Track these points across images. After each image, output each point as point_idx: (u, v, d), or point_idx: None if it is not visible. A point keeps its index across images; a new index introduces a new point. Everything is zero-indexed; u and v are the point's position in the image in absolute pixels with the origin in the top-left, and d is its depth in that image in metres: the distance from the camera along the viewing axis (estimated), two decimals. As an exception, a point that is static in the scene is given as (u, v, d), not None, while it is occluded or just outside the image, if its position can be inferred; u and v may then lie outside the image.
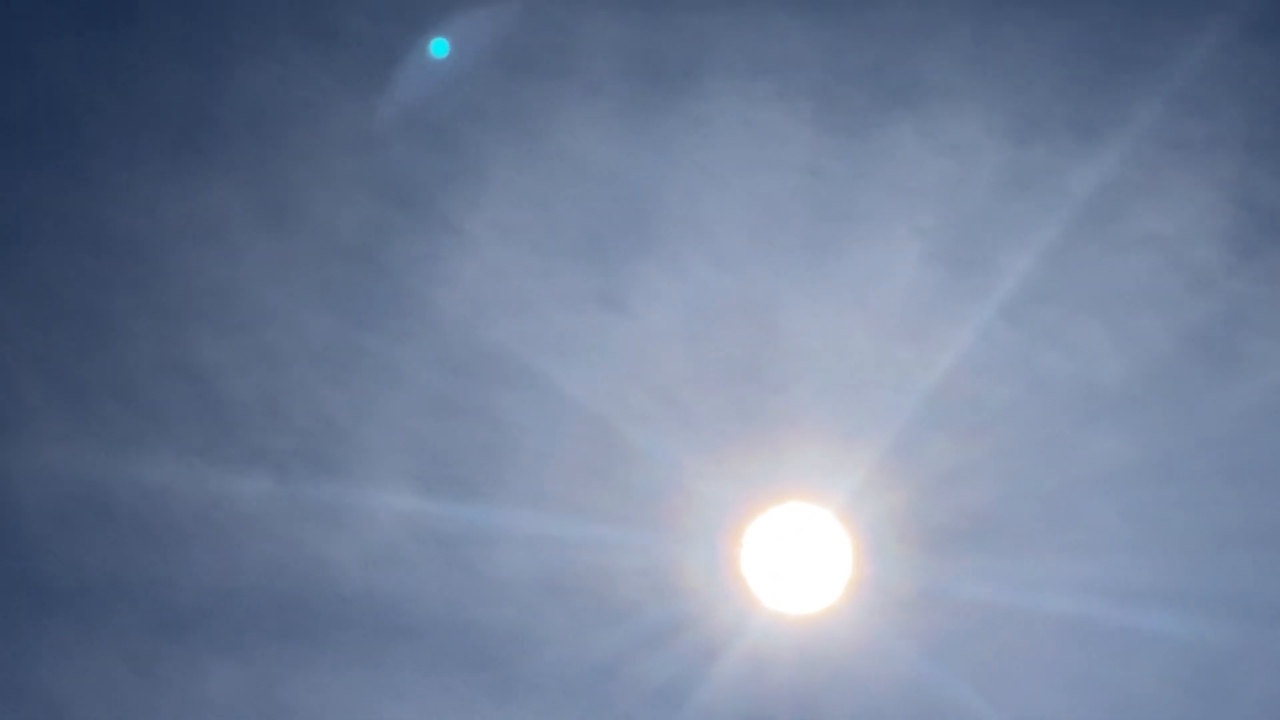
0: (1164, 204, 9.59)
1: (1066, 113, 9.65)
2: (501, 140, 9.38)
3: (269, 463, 9.19)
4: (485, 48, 9.33)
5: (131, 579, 9.15)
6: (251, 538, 9.20)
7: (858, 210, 9.60)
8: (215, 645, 9.12)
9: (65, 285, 9.18)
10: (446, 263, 9.27)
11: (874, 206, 9.65)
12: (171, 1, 9.31)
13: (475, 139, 9.36)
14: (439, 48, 9.13)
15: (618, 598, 9.49)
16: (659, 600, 9.43)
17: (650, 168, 9.49)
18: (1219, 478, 10.05)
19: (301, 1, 9.32)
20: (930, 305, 9.74)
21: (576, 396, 9.38)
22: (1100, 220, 9.62)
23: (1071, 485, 9.99)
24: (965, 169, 9.63)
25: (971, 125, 9.62)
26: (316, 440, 9.14)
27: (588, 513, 9.39)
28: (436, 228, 9.24)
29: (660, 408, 9.36)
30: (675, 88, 9.47)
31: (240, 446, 9.16)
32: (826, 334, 9.68)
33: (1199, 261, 9.63)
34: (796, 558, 9.57)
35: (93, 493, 9.13)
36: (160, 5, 9.30)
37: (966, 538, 9.54)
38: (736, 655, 9.47)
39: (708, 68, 9.44)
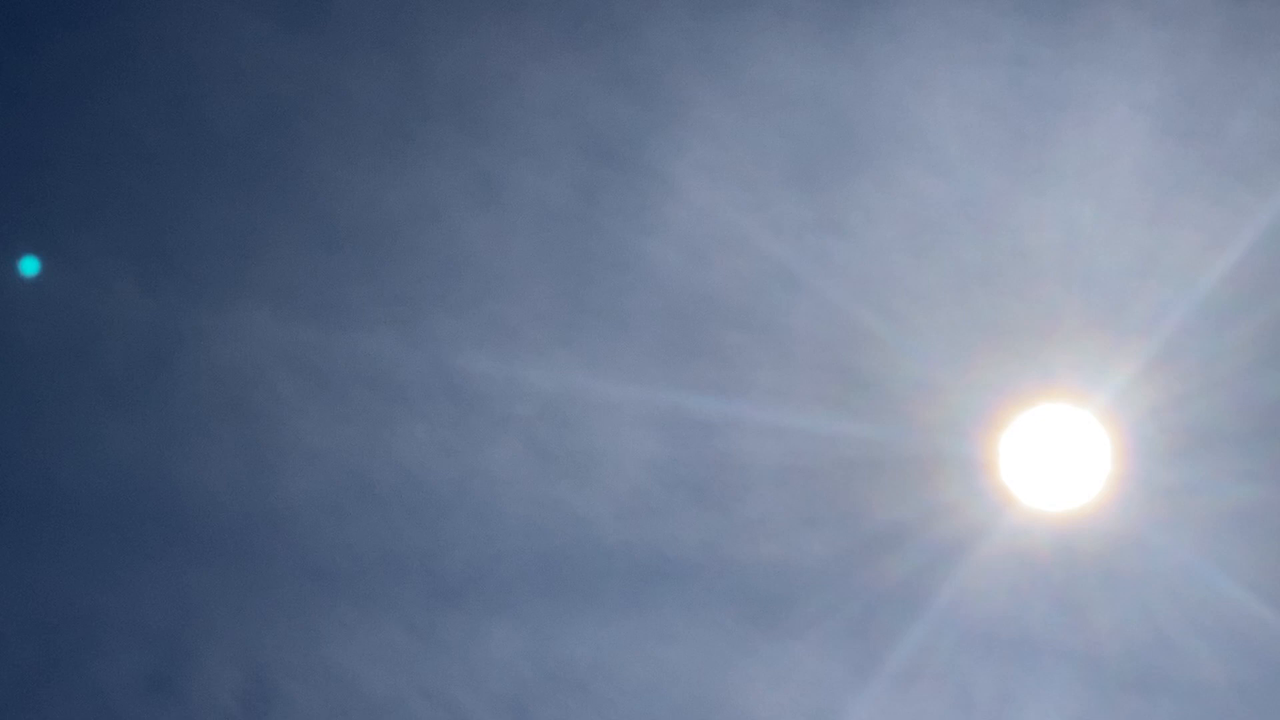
0: None
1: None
2: (697, 81, 8.22)
3: (514, 428, 8.24)
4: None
5: (402, 554, 8.27)
6: (508, 502, 8.26)
7: (1074, 95, 8.15)
8: (488, 608, 8.18)
9: (305, 283, 8.36)
10: (658, 211, 8.13)
11: (1090, 88, 8.15)
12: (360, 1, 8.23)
13: (671, 84, 8.24)
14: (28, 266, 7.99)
15: (871, 505, 8.06)
16: (914, 496, 7.91)
17: (851, 84, 8.16)
18: None
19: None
20: (1165, 183, 8.08)
21: (807, 327, 8.12)
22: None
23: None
24: (1183, 36, 7.89)
25: (1186, -11, 7.95)
26: (557, 402, 8.12)
27: (831, 425, 7.98)
28: (643, 178, 8.13)
29: (896, 323, 7.92)
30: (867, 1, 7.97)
31: (486, 416, 8.23)
32: (1060, 227, 8.25)
33: None
34: (1054, 456, 7.92)
35: (355, 477, 8.30)
36: (350, 4, 8.17)
37: (1234, 438, 7.80)
38: (991, 552, 7.90)
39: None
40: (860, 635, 8.89)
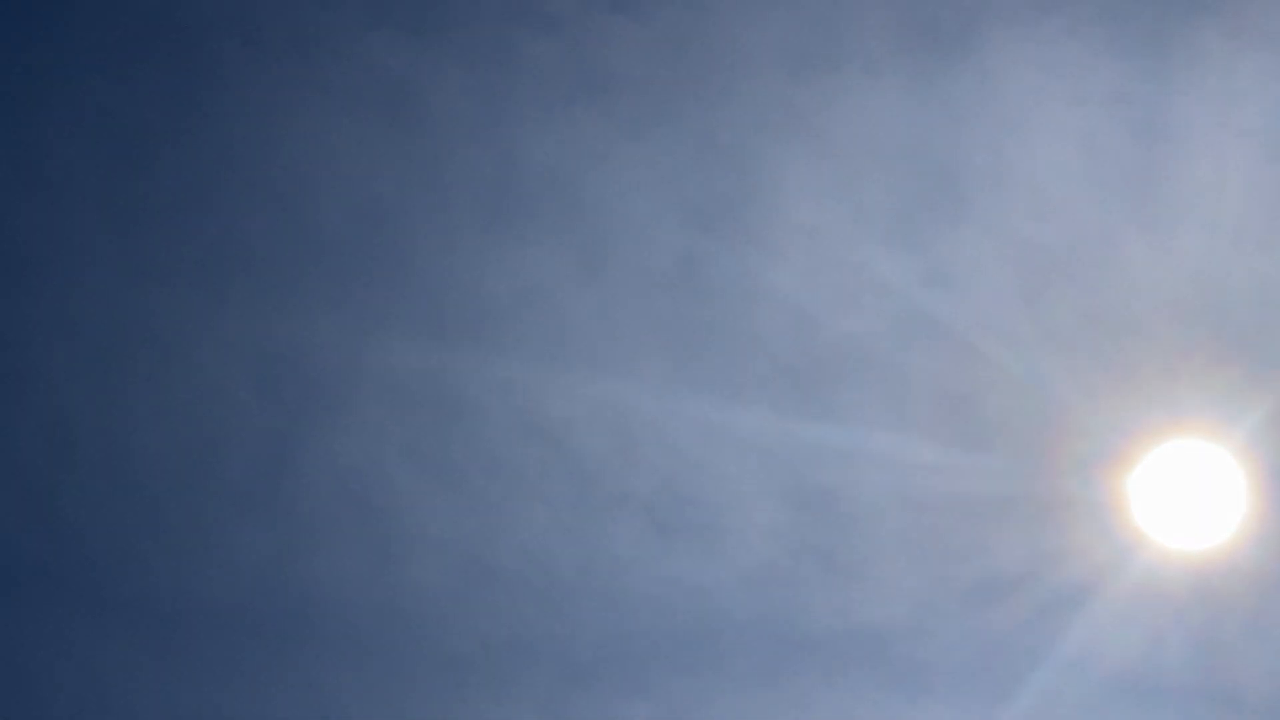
0: None
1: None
2: (789, 145, 8.06)
3: (634, 506, 8.06)
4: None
5: (530, 638, 8.10)
6: (633, 580, 8.08)
7: (1176, 126, 7.81)
8: (623, 688, 7.94)
9: (417, 371, 8.16)
10: (761, 276, 7.94)
11: (1192, 118, 7.83)
12: (452, 86, 8.08)
13: (763, 150, 8.07)
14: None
15: (999, 548, 7.76)
16: (1044, 538, 7.60)
17: (946, 134, 7.90)
18: None
19: (574, 58, 7.93)
20: (1278, 206, 7.62)
21: (925, 379, 7.87)
22: None
23: None
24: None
25: (1280, 12, 7.60)
26: (674, 476, 7.87)
27: (957, 468, 7.68)
28: (744, 244, 7.97)
29: (1017, 367, 7.61)
30: (956, 48, 7.87)
31: (604, 495, 8.06)
32: (1175, 261, 7.90)
33: None
34: (1189, 495, 7.51)
35: (479, 564, 8.15)
36: (443, 95, 8.17)
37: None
38: (1123, 593, 7.53)
39: (985, 20, 7.81)
40: (991, 682, 8.52)
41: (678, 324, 8.92)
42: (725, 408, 8.82)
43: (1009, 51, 8.57)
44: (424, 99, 9.07)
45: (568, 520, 8.95)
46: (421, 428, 9.08)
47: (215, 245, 9.25)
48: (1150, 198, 8.55)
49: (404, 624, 9.01)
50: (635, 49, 8.79)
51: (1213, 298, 8.50)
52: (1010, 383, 8.41)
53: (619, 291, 8.99)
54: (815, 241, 8.72)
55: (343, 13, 8.90)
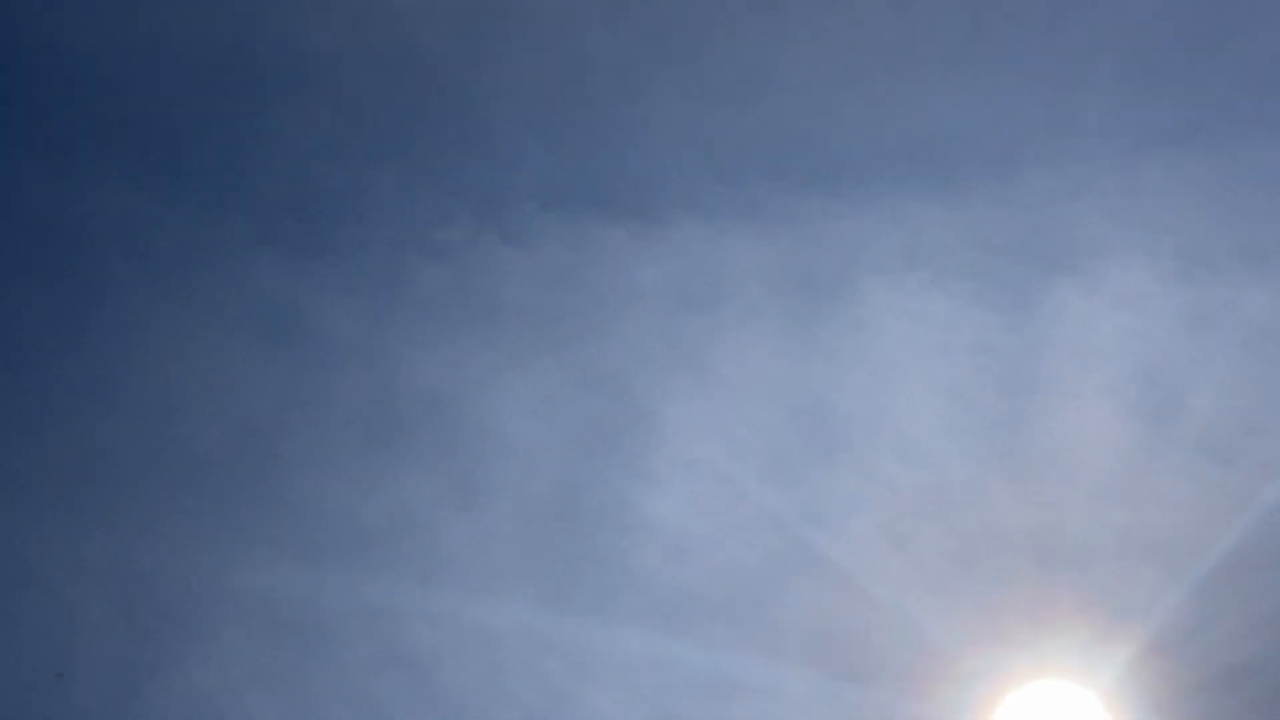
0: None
1: (1230, 243, 7.82)
2: (671, 378, 7.95)
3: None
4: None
5: None
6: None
7: (1040, 379, 7.96)
8: None
9: (283, 595, 7.87)
10: (640, 506, 7.79)
11: (1055, 372, 7.96)
12: (339, 309, 8.01)
13: (645, 383, 8.00)
14: None
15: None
16: None
17: (821, 378, 8.01)
18: None
19: (462, 286, 7.96)
20: (1135, 462, 7.81)
21: (793, 620, 7.74)
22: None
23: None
24: (1140, 318, 7.82)
25: (1137, 274, 7.92)
26: (543, 710, 7.42)
27: (828, 697, 7.47)
28: (624, 474, 7.88)
29: (883, 611, 7.45)
30: (831, 295, 8.10)
31: (471, 728, 7.59)
32: (1036, 511, 7.78)
33: None
34: None
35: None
36: (329, 315, 8.03)
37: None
38: None
39: (859, 270, 8.04)
40: None
41: (553, 553, 8.72)
42: (598, 638, 8.56)
43: (881, 300, 8.79)
44: (309, 319, 8.99)
45: (433, 755, 8.50)
46: (284, 655, 8.66)
47: (80, 461, 8.92)
48: (1014, 448, 8.67)
49: None
50: (523, 279, 8.86)
51: (1075, 548, 8.55)
52: (881, 619, 8.29)
53: (496, 518, 8.80)
54: (694, 474, 8.66)
55: (231, 229, 8.88)
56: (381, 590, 8.59)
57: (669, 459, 8.55)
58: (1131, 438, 8.48)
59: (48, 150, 8.82)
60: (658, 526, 8.51)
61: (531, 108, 9.00)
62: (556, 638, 8.44)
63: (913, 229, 8.60)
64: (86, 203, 8.80)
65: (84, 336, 8.77)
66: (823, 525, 8.46)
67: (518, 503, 8.60)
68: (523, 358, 8.64)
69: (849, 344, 8.51)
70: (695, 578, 8.51)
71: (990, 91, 8.63)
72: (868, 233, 8.60)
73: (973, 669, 8.24)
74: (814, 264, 8.60)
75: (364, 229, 8.78)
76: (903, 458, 8.55)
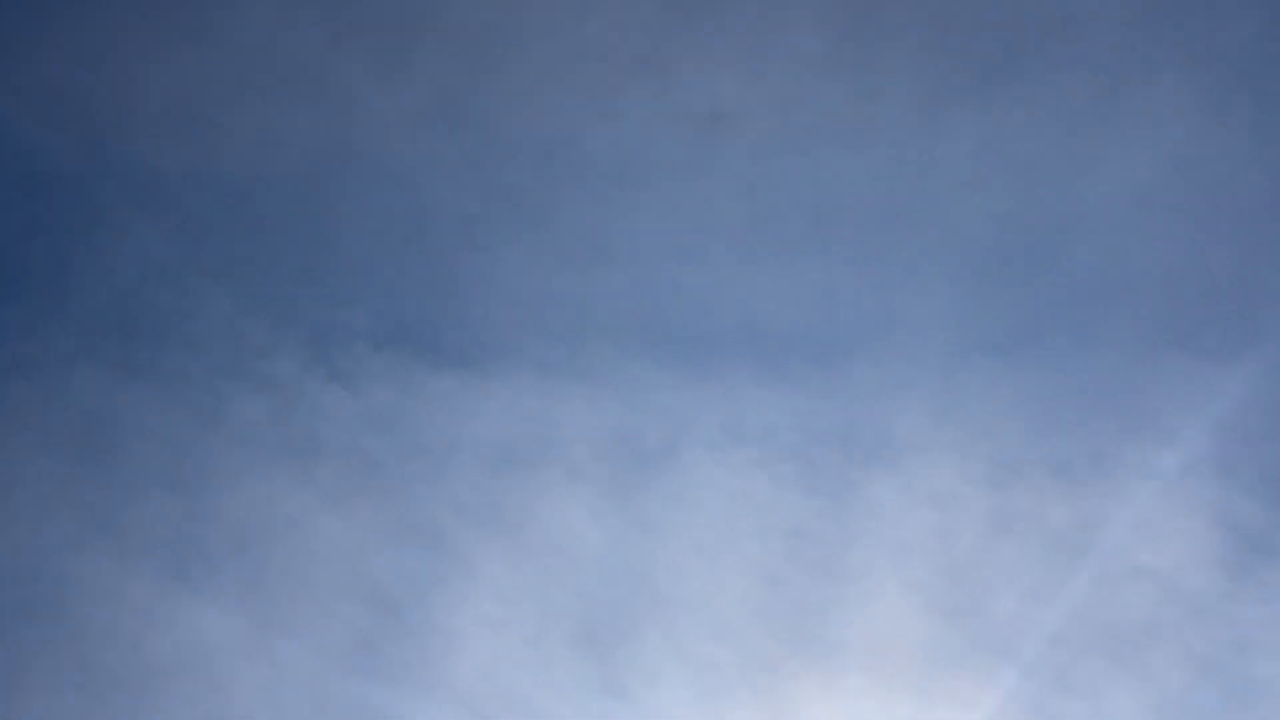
0: (1150, 535, 7.86)
1: (1040, 454, 8.02)
2: (484, 536, 7.74)
3: None
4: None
5: None
6: None
7: (850, 569, 8.04)
8: None
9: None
10: (438, 668, 7.47)
11: (865, 564, 8.07)
12: (154, 432, 7.70)
13: (458, 539, 7.71)
14: None
15: None
16: None
17: (637, 547, 7.90)
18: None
19: (283, 421, 7.70)
20: (935, 659, 7.85)
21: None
22: (1090, 556, 7.83)
23: None
24: (948, 519, 7.92)
25: (949, 475, 8.08)
26: None
27: None
28: (426, 630, 7.53)
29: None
30: (655, 466, 8.02)
31: None
32: (839, 704, 7.71)
33: (1195, 590, 7.77)
34: None
35: None
36: (142, 437, 7.72)
37: None
38: None
39: (685, 443, 7.98)
40: None
41: (345, 708, 8.37)
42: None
43: (704, 475, 8.77)
44: (120, 439, 8.63)
45: None
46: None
47: None
48: (823, 637, 8.65)
49: None
50: (346, 420, 8.64)
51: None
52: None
53: (289, 666, 8.43)
54: (500, 635, 8.44)
55: (52, 341, 8.52)
56: (163, 731, 8.12)
57: (476, 618, 8.32)
58: (932, 635, 8.51)
59: None
60: (458, 687, 8.23)
61: (374, 249, 8.89)
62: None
63: (740, 408, 8.63)
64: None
65: None
66: (626, 699, 8.27)
67: (316, 650, 8.24)
68: (338, 500, 8.38)
69: (669, 516, 8.44)
70: (490, 742, 8.22)
71: (827, 283, 8.79)
72: (697, 407, 8.60)
73: None
74: (641, 433, 8.56)
75: (188, 352, 8.49)
76: (713, 636, 8.44)
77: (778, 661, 8.56)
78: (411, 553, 8.32)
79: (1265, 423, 8.58)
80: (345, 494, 8.34)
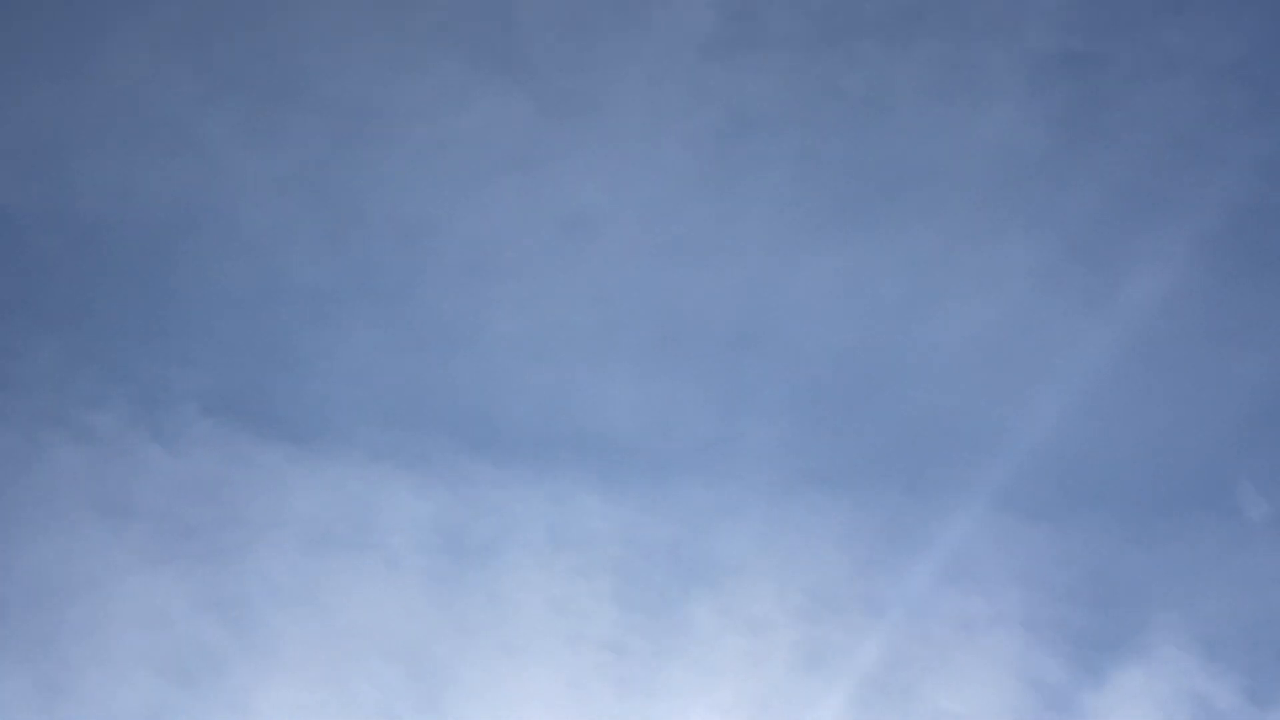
0: (952, 681, 7.97)
1: (855, 590, 8.10)
2: (294, 616, 7.42)
3: None
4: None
5: None
6: None
7: (660, 687, 8.01)
8: None
9: None
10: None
11: (675, 683, 8.05)
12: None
13: (267, 614, 7.38)
14: None
15: None
16: None
17: (449, 644, 7.75)
18: None
19: (100, 474, 7.41)
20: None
21: None
22: (892, 697, 7.89)
23: None
24: (761, 646, 8.00)
25: (766, 603, 8.12)
26: None
27: None
28: (220, 708, 7.13)
29: None
30: (476, 562, 7.86)
31: None
32: None
33: None
34: None
35: None
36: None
37: None
38: None
39: (509, 543, 7.85)
40: None
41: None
42: None
43: (524, 578, 8.71)
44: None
45: None
46: None
47: None
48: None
49: None
50: (166, 481, 8.36)
51: None
52: None
53: (72, 730, 8.04)
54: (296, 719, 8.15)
55: None
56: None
57: (274, 700, 8.03)
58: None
59: None
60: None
61: (218, 311, 8.64)
62: None
63: (568, 515, 8.53)
64: None
65: None
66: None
67: (101, 715, 7.86)
68: (145, 563, 8.05)
69: (482, 616, 8.28)
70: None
71: (669, 398, 8.77)
72: (525, 508, 8.48)
73: None
74: (465, 528, 8.41)
75: (8, 392, 8.12)
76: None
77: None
78: (215, 626, 8.01)
79: (1072, 582, 8.73)
80: (154, 558, 8.02)
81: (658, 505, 8.68)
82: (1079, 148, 8.96)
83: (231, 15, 8.93)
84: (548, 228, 8.93)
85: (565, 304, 8.84)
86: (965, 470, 8.84)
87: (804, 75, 9.11)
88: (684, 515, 8.68)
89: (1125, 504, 8.73)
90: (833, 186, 9.12)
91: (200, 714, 7.90)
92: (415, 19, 8.98)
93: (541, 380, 8.71)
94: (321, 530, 8.28)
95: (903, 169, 9.04)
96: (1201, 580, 8.67)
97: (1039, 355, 9.06)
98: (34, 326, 8.30)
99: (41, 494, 7.96)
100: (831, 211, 9.12)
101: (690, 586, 8.61)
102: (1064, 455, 8.91)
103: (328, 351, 8.60)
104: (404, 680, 8.26)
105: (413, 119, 9.00)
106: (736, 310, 8.96)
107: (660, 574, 8.61)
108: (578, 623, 8.48)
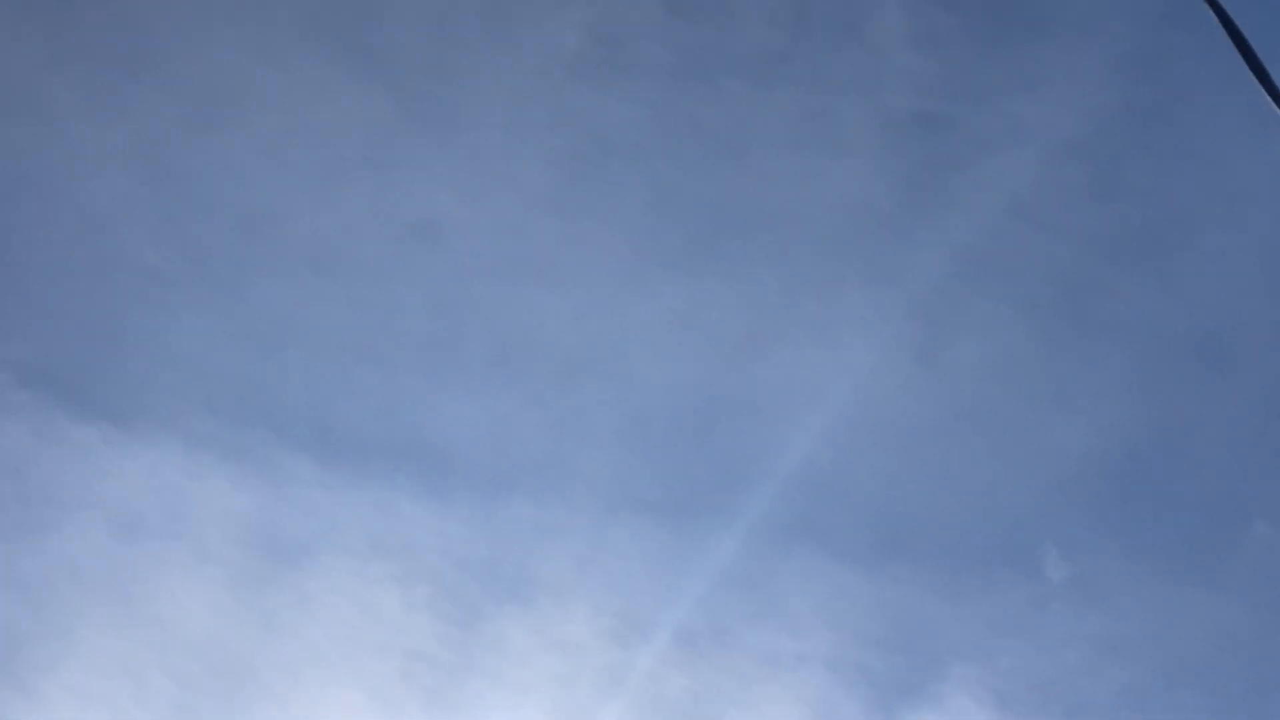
0: (753, 716, 7.96)
1: (667, 619, 8.08)
2: (95, 600, 7.16)
3: None
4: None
5: None
6: None
7: (464, 702, 7.85)
8: None
9: None
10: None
11: (480, 698, 7.95)
12: None
13: (67, 597, 7.10)
14: None
15: None
16: None
17: (253, 642, 7.52)
18: None
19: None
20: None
21: None
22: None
23: None
24: (569, 667, 7.93)
25: (578, 625, 8.01)
26: None
27: None
28: (6, 690, 6.79)
29: None
30: (289, 562, 7.68)
31: None
32: None
33: None
34: None
35: None
36: None
37: None
38: None
39: (325, 545, 7.68)
40: None
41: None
42: None
43: (336, 580, 8.48)
44: None
45: None
46: None
47: None
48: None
49: None
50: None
51: None
52: None
53: None
54: (86, 707, 7.85)
55: None
56: None
57: (65, 685, 7.71)
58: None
59: None
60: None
61: (44, 282, 8.29)
62: None
63: (389, 522, 8.37)
64: None
65: None
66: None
67: None
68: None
69: (290, 616, 8.07)
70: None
71: (502, 415, 8.67)
72: (345, 513, 8.29)
73: None
74: (281, 526, 8.18)
75: None
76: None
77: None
78: (10, 604, 7.66)
79: (878, 628, 8.84)
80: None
81: (481, 520, 8.57)
82: (923, 208, 9.11)
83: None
84: (394, 231, 8.77)
85: (405, 310, 8.67)
86: (786, 511, 8.89)
87: (666, 106, 9.10)
88: (506, 532, 8.58)
89: (936, 557, 8.87)
90: (683, 220, 9.12)
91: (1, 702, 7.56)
92: (280, 7, 8.75)
93: (374, 385, 8.53)
94: (132, 516, 7.99)
95: (753, 211, 9.09)
96: (1001, 636, 8.83)
97: (867, 407, 9.17)
98: None
99: None
100: (679, 245, 9.12)
101: (506, 603, 8.52)
102: (882, 505, 9.01)
103: (155, 334, 8.31)
104: (202, 676, 8.01)
105: (266, 107, 8.76)
106: (576, 334, 8.90)
107: (477, 588, 8.50)
108: (388, 631, 8.32)
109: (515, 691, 8.48)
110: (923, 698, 8.63)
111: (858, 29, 8.75)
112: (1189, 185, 8.72)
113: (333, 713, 8.06)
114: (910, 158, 9.09)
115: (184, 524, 8.04)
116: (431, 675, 8.32)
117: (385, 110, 8.85)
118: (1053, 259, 9.20)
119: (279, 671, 7.99)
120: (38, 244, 8.42)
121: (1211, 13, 3.72)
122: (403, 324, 8.72)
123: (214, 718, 7.74)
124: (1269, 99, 3.58)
